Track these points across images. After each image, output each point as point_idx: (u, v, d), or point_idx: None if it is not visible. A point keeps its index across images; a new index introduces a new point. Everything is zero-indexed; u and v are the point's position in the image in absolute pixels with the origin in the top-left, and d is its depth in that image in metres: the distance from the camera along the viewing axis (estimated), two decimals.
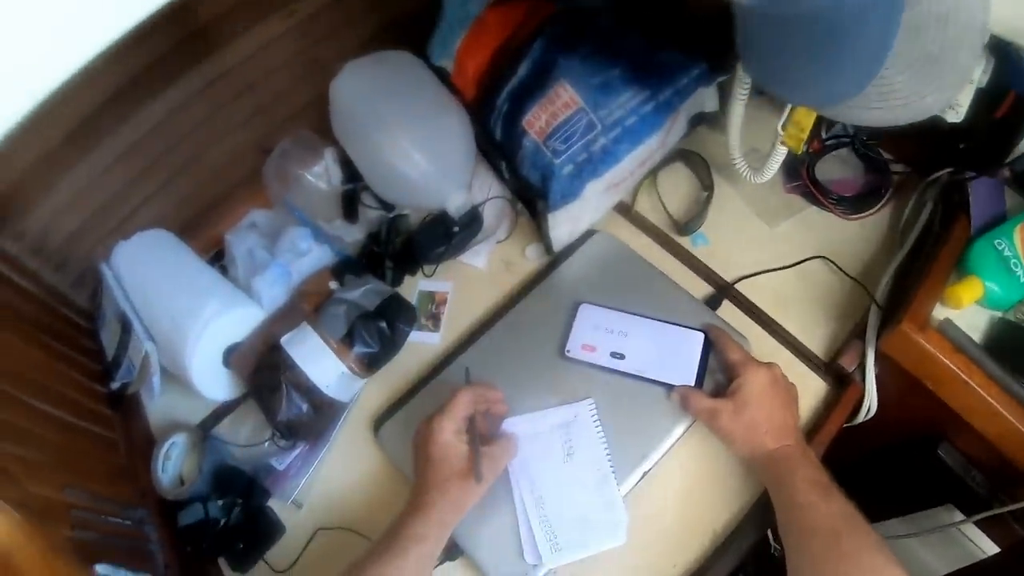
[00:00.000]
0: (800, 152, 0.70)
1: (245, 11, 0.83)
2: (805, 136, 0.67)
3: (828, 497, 0.62)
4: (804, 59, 0.52)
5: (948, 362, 0.70)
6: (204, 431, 0.82)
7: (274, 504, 0.76)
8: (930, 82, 0.53)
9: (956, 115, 0.74)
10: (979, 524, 0.86)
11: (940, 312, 0.75)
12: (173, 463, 0.78)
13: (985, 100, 0.79)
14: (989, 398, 0.70)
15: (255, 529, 0.74)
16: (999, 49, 0.66)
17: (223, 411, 0.83)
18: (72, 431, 0.76)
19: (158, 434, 0.82)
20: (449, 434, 0.64)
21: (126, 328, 0.83)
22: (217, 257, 0.88)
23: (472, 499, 0.63)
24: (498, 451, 0.66)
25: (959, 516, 0.88)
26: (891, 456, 0.92)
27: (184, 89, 0.83)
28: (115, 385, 0.84)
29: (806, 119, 0.66)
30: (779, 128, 0.70)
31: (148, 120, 0.82)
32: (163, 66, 0.79)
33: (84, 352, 0.87)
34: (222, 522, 0.74)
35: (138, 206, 0.88)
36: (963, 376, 0.70)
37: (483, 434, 0.68)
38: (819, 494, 0.62)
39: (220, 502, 0.75)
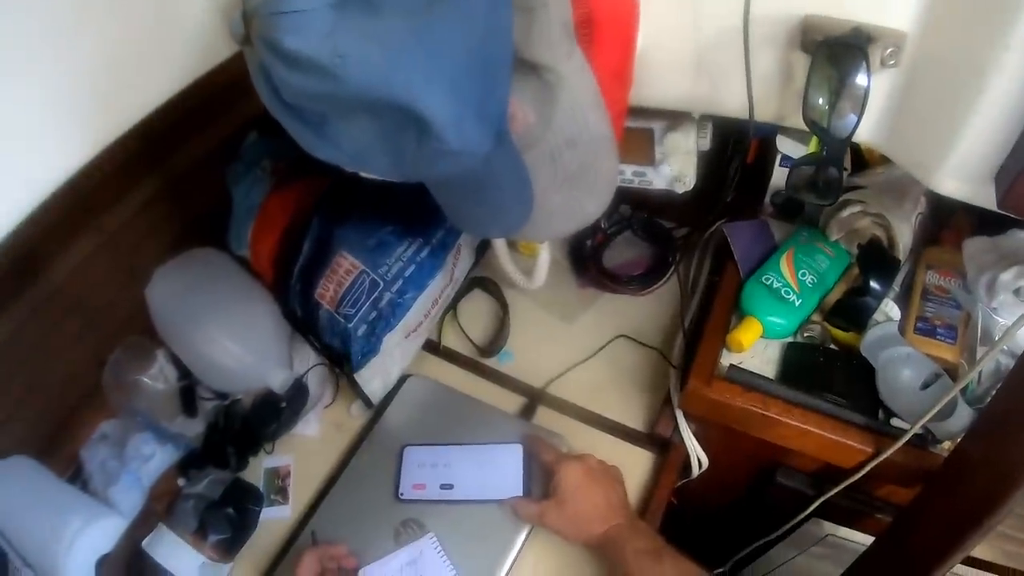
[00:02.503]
0: (534, 256, 0.79)
1: (58, 235, 0.89)
2: (534, 246, 0.76)
3: (659, 562, 0.70)
4: (471, 208, 0.61)
5: (742, 403, 0.79)
6: None
7: None
8: (583, 194, 0.62)
9: (684, 185, 0.84)
10: (849, 525, 0.93)
11: (729, 358, 0.83)
12: None
13: (731, 151, 0.89)
14: (793, 422, 0.78)
15: None
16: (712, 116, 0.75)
17: None
18: None
19: None
20: None
21: (2, 559, 0.87)
22: (78, 473, 0.92)
23: None
24: None
25: (828, 525, 0.94)
26: (744, 496, 0.99)
27: (14, 318, 0.89)
28: None
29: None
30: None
31: None
32: None
33: None
34: None
35: None
36: (760, 411, 0.78)
37: None
38: (650, 560, 0.70)
39: None
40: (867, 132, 0.67)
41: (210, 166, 0.97)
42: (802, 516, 0.86)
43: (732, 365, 0.81)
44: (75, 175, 0.79)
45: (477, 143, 0.51)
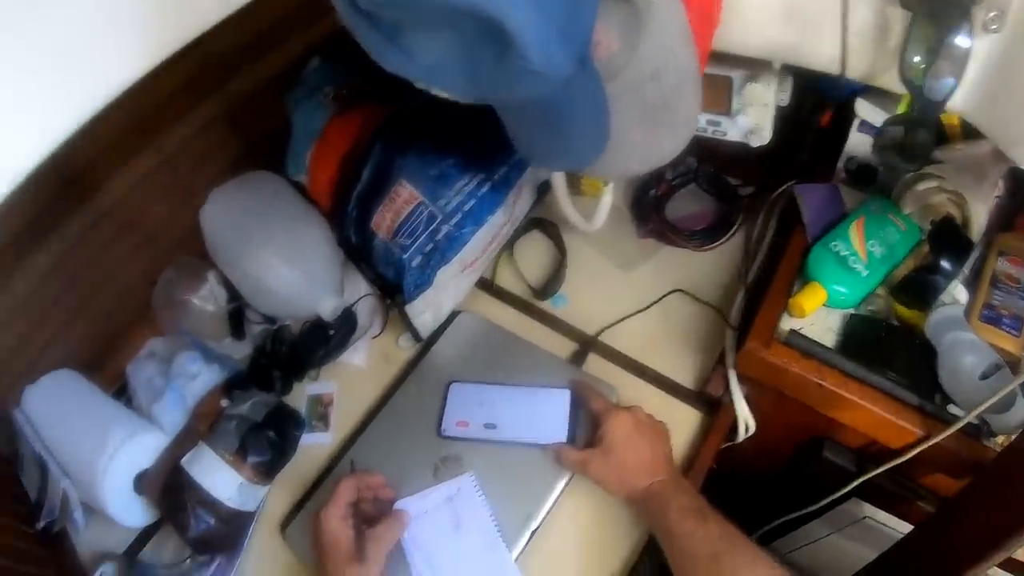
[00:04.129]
0: (597, 196, 0.76)
1: (115, 153, 0.89)
2: (601, 184, 0.73)
3: (704, 522, 0.67)
4: (544, 137, 0.57)
5: (799, 370, 0.76)
6: (130, 558, 0.85)
7: None
8: (662, 131, 0.59)
9: (760, 139, 0.80)
10: (889, 510, 0.90)
11: (789, 323, 0.80)
12: None
13: (808, 111, 0.85)
14: (849, 395, 0.75)
15: None
16: (797, 69, 0.72)
17: (146, 535, 0.87)
18: (7, 574, 0.80)
19: (89, 567, 0.86)
20: (335, 522, 0.69)
21: (43, 469, 0.88)
22: (123, 389, 0.92)
23: None
24: (383, 529, 0.70)
25: (868, 507, 0.91)
26: (786, 467, 0.96)
27: (69, 234, 0.89)
28: (41, 525, 0.87)
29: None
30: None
31: (38, 269, 0.87)
32: (45, 218, 0.85)
33: (10, 497, 0.90)
34: None
35: (42, 350, 0.93)
36: (816, 380, 0.75)
37: (370, 517, 0.72)
38: (695, 520, 0.67)
39: None
40: (960, 101, 0.63)
41: (271, 91, 0.94)
42: (844, 491, 0.83)
43: (792, 330, 0.78)
44: (132, 89, 0.77)
45: (560, 65, 0.47)
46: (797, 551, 1.00)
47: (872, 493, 0.87)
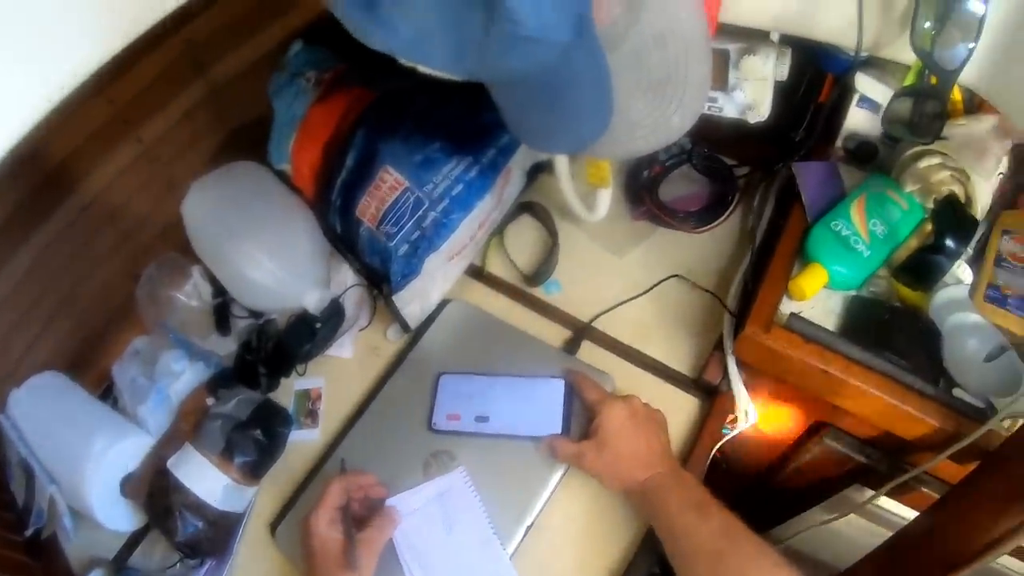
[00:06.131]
0: (607, 186, 0.71)
1: (94, 145, 0.84)
2: (606, 174, 0.68)
3: (706, 516, 0.62)
4: (541, 115, 0.52)
5: (800, 356, 0.71)
6: (119, 564, 0.81)
7: None
8: (669, 103, 0.53)
9: (757, 115, 0.75)
10: (892, 496, 0.86)
11: (789, 306, 0.75)
12: None
13: (805, 86, 0.80)
14: (853, 380, 0.70)
15: None
16: (797, 41, 0.67)
17: (136, 539, 0.83)
18: None
19: (78, 574, 0.81)
20: (323, 526, 0.65)
21: (29, 475, 0.83)
22: (110, 390, 0.88)
23: None
24: (373, 532, 0.66)
25: (869, 493, 0.88)
26: (788, 454, 0.92)
27: (48, 231, 0.84)
28: (29, 532, 0.83)
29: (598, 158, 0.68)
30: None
31: (18, 267, 0.82)
32: (24, 213, 0.80)
33: None
34: None
35: (26, 351, 0.88)
36: (819, 366, 0.71)
37: (359, 519, 0.68)
38: (696, 515, 0.62)
39: None
40: (969, 72, 0.58)
41: (253, 77, 0.89)
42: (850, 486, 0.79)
43: (793, 314, 0.73)
44: (110, 77, 0.72)
45: (556, 29, 0.42)
46: (797, 536, 0.96)
47: (874, 479, 0.83)
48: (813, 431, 0.85)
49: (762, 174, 0.89)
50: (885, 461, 0.82)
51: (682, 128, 0.56)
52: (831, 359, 0.71)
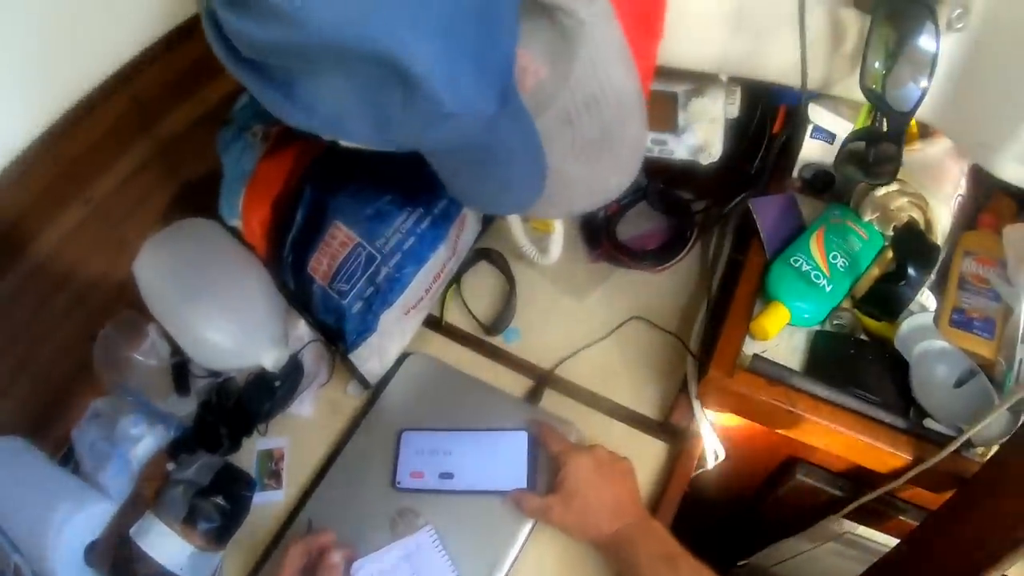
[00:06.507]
0: (554, 231, 0.70)
1: (44, 204, 0.82)
2: (551, 224, 0.67)
3: (675, 569, 0.61)
4: (474, 182, 0.51)
5: (766, 398, 0.70)
6: None
7: None
8: (605, 163, 0.52)
9: (709, 156, 0.74)
10: (869, 524, 0.86)
11: (752, 347, 0.74)
12: None
13: (758, 119, 0.78)
14: (820, 419, 0.70)
15: None
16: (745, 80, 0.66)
17: None
18: None
19: None
20: None
21: None
22: (69, 454, 0.86)
23: None
24: None
25: (850, 524, 0.87)
26: (759, 489, 0.91)
27: (1, 295, 0.81)
28: None
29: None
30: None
31: None
32: None
33: None
34: None
35: None
36: (785, 407, 0.70)
37: None
38: (666, 568, 0.62)
39: None
40: (922, 108, 0.57)
41: (202, 131, 0.87)
42: (825, 516, 0.78)
43: (756, 355, 0.72)
44: (57, 135, 0.70)
45: (478, 103, 0.41)
46: (777, 566, 0.96)
47: (852, 510, 0.81)
48: (786, 467, 0.84)
49: (720, 208, 0.88)
50: (859, 493, 0.81)
51: (620, 187, 0.55)
52: (796, 399, 0.70)
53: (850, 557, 0.91)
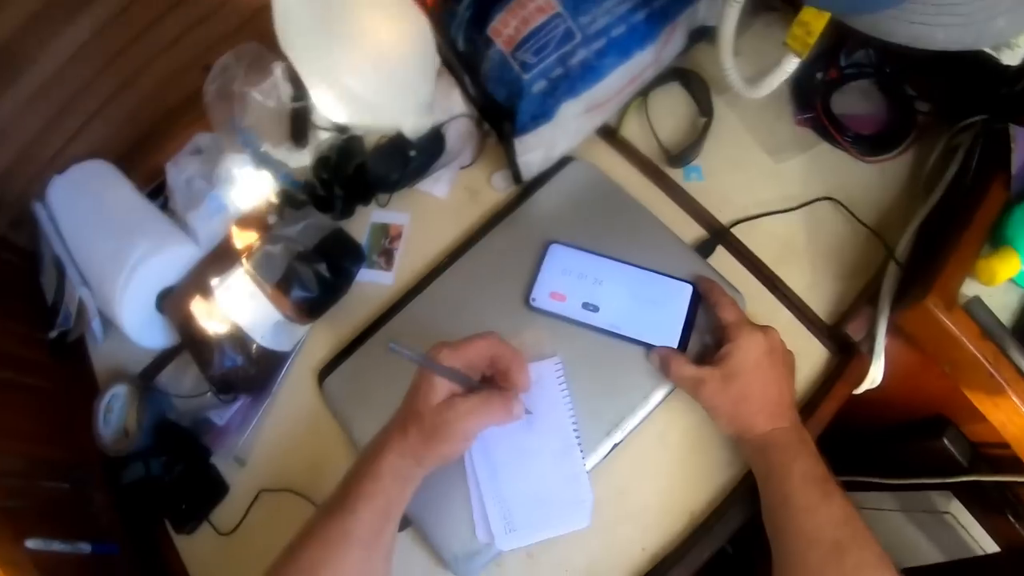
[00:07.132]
0: (804, 57, 0.55)
1: None
2: (812, 41, 0.52)
3: (828, 498, 0.52)
4: None
5: (974, 349, 0.57)
6: (146, 381, 0.73)
7: (217, 460, 0.68)
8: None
9: (1014, 56, 0.57)
10: (978, 518, 0.75)
11: (968, 287, 0.61)
12: (116, 415, 0.70)
13: None
14: (1014, 395, 0.56)
15: (198, 488, 0.67)
16: None
17: (165, 359, 0.74)
18: (6, 388, 0.69)
19: (104, 383, 0.74)
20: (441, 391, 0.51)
21: (61, 272, 0.74)
22: (161, 188, 0.76)
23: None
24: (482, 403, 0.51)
25: (956, 505, 0.75)
26: (890, 434, 0.79)
27: (104, 10, 0.71)
28: (54, 333, 0.75)
29: (816, 20, 0.51)
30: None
31: (69, 45, 0.72)
32: None
33: (25, 298, 0.78)
34: (164, 480, 0.65)
35: (71, 137, 0.79)
36: (989, 367, 0.57)
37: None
38: (818, 494, 0.52)
39: (162, 459, 0.66)
40: None
41: None
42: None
43: (977, 297, 0.58)
44: None
45: None
46: None
47: (968, 493, 0.71)
48: (933, 423, 0.72)
49: (947, 121, 0.71)
50: (995, 487, 0.68)
51: (1002, 35, 0.45)
52: (1003, 364, 0.57)
53: (936, 541, 0.80)
